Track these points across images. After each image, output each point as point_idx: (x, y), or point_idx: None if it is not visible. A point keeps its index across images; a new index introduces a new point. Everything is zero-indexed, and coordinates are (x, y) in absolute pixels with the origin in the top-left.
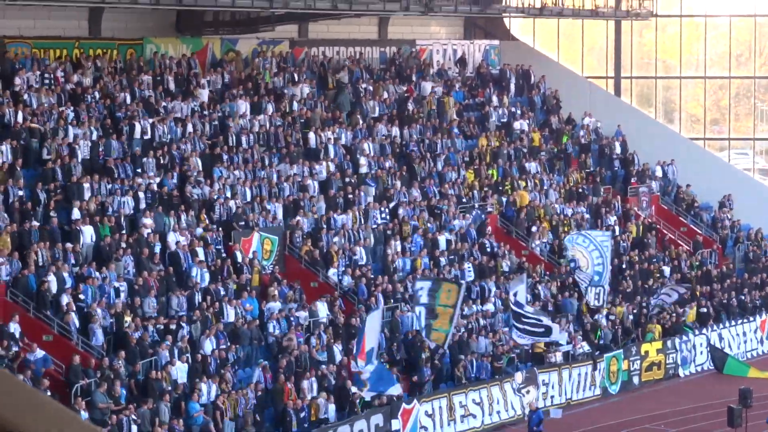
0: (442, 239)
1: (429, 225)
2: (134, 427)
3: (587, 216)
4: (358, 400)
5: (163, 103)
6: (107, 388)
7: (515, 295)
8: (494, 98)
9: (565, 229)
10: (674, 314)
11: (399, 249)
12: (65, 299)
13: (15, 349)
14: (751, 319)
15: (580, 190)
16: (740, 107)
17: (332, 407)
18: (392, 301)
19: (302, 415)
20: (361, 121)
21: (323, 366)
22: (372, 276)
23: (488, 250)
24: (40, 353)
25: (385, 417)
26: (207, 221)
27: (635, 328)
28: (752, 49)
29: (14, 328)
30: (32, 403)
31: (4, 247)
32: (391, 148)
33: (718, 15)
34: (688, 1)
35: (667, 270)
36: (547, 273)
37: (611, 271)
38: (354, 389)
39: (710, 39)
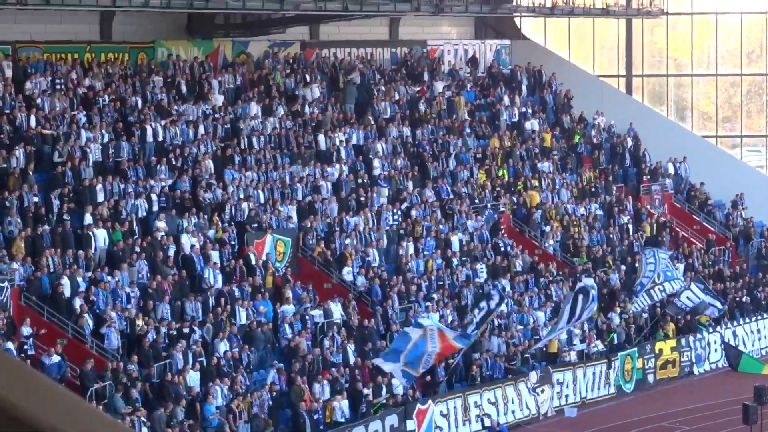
0: (455, 239)
1: (441, 225)
2: (145, 430)
3: (600, 214)
4: (374, 402)
5: (175, 107)
6: (124, 392)
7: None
8: (506, 98)
9: (576, 229)
10: (687, 315)
11: (412, 250)
12: (78, 302)
13: (30, 352)
14: (765, 316)
15: (593, 189)
16: (752, 104)
17: (345, 404)
18: (406, 301)
19: (316, 417)
20: (372, 122)
21: (333, 369)
22: (386, 277)
23: (501, 249)
24: (55, 358)
25: (400, 417)
26: (219, 223)
27: (648, 326)
28: (763, 46)
29: (27, 331)
30: (39, 388)
31: (18, 252)
32: (403, 148)
33: (729, 12)
34: None
35: (681, 268)
36: (560, 272)
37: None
38: (366, 391)
39: (721, 36)
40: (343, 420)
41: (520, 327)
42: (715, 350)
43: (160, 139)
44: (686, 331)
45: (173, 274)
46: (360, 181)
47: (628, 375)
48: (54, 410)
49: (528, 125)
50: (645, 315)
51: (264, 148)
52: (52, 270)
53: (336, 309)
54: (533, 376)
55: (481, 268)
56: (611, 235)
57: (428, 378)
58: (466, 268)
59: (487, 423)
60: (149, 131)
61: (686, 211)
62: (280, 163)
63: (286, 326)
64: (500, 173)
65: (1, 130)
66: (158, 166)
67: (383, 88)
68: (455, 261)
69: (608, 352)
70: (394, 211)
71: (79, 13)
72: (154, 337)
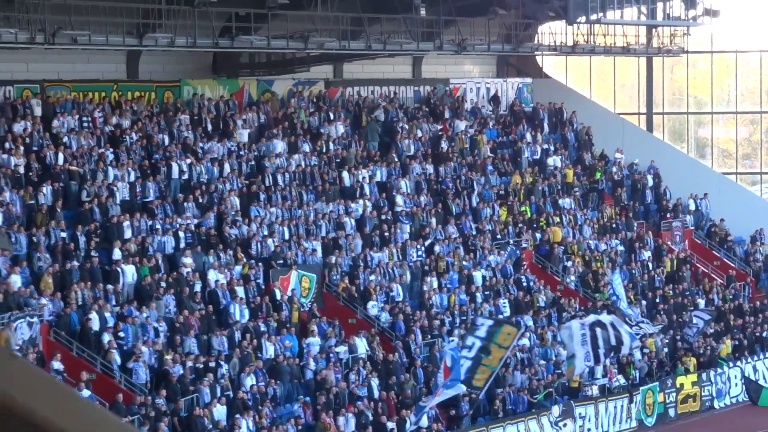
0: (478, 275)
1: (465, 261)
2: None
3: (621, 250)
4: None
5: (201, 144)
6: (152, 426)
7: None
8: (527, 135)
9: (599, 264)
10: (709, 347)
11: (435, 285)
12: (107, 337)
13: None
14: None
15: (614, 226)
16: None
17: None
18: (429, 336)
19: None
20: (396, 159)
21: (359, 402)
22: (410, 312)
23: (524, 285)
24: (86, 392)
25: None
26: (245, 259)
27: (670, 360)
28: None
29: (57, 366)
30: (61, 397)
31: (46, 287)
32: (426, 185)
33: (748, 50)
34: (719, 37)
35: (701, 303)
36: (582, 308)
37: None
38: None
39: (741, 74)
40: None
41: (543, 362)
42: (736, 385)
43: (186, 176)
44: (707, 366)
45: (200, 309)
46: (383, 217)
47: (650, 409)
48: (64, 412)
49: (550, 161)
50: (665, 350)
51: (289, 185)
52: (80, 305)
53: (361, 344)
54: (555, 410)
55: (504, 304)
56: (633, 271)
57: (453, 412)
58: (489, 305)
59: None
60: (175, 168)
61: (707, 247)
62: (305, 199)
63: (311, 359)
64: (522, 210)
65: (29, 167)
66: (185, 204)
67: (406, 126)
68: (479, 296)
69: (630, 386)
70: (418, 247)
71: (106, 53)
72: (182, 372)
